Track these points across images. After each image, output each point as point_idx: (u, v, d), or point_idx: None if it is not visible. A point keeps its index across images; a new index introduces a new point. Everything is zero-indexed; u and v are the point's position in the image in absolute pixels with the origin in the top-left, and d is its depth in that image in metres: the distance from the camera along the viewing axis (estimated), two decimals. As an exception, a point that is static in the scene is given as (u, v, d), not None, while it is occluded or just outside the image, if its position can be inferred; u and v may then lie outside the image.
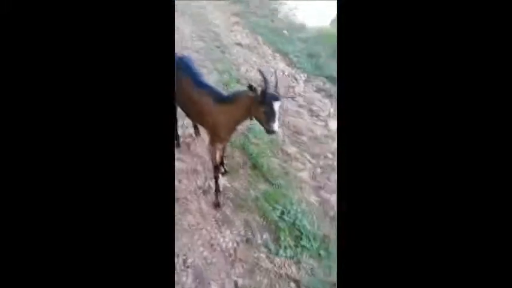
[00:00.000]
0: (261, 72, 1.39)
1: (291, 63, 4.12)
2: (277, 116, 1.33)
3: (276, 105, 1.31)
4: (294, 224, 1.56)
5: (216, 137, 1.58)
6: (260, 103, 1.32)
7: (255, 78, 3.43)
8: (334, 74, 3.33)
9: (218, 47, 4.30)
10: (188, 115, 1.79)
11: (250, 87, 1.34)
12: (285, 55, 4.38)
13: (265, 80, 1.32)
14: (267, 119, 1.32)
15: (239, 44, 4.62)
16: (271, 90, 1.33)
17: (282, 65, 4.10)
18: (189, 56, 1.96)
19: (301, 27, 5.24)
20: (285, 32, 5.20)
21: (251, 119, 1.44)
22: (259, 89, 1.34)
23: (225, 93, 1.60)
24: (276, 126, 1.34)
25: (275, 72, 1.49)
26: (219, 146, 1.62)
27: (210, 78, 3.09)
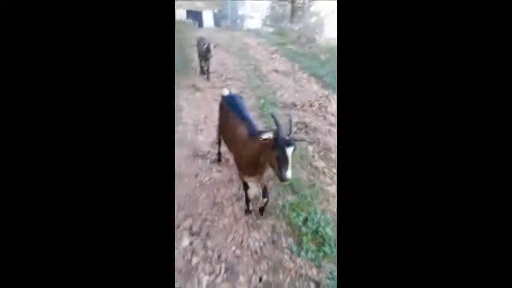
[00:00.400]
0: (274, 117, 1.35)
1: (324, 85, 4.33)
2: (290, 162, 1.27)
3: (289, 151, 1.26)
4: (316, 231, 1.70)
5: (241, 167, 1.63)
6: (273, 148, 1.28)
7: (288, 102, 3.71)
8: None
9: (258, 76, 4.74)
10: (226, 143, 1.94)
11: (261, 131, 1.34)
12: (319, 78, 4.62)
13: (277, 124, 1.29)
14: (280, 165, 1.26)
15: (276, 71, 5.03)
16: (284, 135, 1.28)
17: (316, 87, 4.34)
18: (238, 94, 2.22)
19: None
20: (310, 46, 5.46)
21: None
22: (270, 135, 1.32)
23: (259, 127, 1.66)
24: (289, 174, 1.27)
25: (290, 116, 1.40)
26: (247, 179, 1.65)
27: (249, 103, 3.48)
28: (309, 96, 3.91)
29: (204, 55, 4.33)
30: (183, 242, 1.64)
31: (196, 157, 2.46)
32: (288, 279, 1.45)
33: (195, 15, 19.17)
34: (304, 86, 4.41)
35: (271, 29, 7.72)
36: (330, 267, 1.50)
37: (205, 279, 1.44)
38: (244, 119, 1.67)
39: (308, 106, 3.66)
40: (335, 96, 3.76)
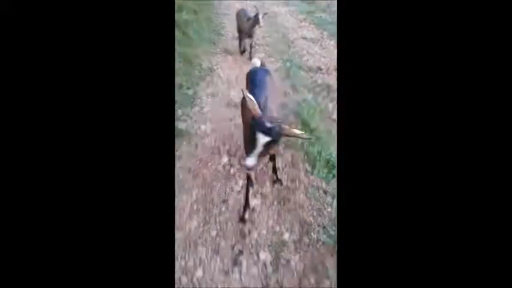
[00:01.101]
0: (248, 97, 1.24)
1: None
2: (257, 151, 1.15)
3: (260, 139, 1.14)
4: (327, 160, 2.15)
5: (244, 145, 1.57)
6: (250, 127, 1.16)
7: (314, 66, 4.03)
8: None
9: (285, 42, 5.02)
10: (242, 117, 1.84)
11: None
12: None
13: (261, 108, 1.19)
14: (246, 148, 1.17)
15: (304, 38, 5.26)
16: (266, 121, 1.16)
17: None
18: (265, 69, 2.03)
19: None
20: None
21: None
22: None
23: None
24: (248, 161, 1.15)
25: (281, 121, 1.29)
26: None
27: (275, 66, 3.87)
28: (334, 61, 4.19)
29: (248, 30, 3.58)
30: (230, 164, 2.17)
31: (229, 106, 2.94)
32: (303, 187, 1.95)
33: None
34: (332, 52, 4.66)
35: (301, -3, 7.78)
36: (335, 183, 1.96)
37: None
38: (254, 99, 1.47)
39: (333, 70, 3.96)
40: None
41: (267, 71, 1.92)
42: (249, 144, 1.20)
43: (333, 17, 6.23)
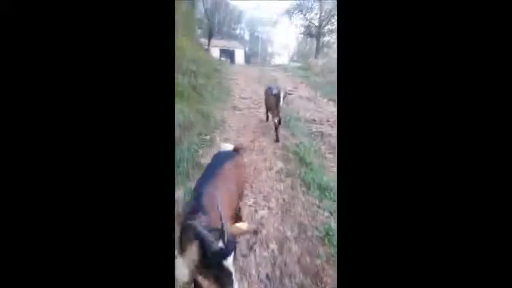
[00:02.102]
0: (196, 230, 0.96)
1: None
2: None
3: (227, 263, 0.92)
4: (319, 184, 2.79)
5: None
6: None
7: (309, 119, 4.94)
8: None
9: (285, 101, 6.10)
10: None
11: None
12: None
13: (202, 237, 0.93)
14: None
15: (300, 97, 6.35)
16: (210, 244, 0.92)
17: (333, 108, 5.55)
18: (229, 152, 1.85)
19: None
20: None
21: None
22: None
23: None
24: None
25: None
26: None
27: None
28: (326, 115, 5.14)
29: (274, 105, 3.77)
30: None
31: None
32: (300, 202, 2.56)
33: (227, 54, 22.05)
34: (323, 107, 5.66)
35: (298, 64, 9.35)
36: (327, 202, 2.57)
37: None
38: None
39: (325, 121, 4.87)
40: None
41: (227, 154, 1.75)
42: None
43: (326, 79, 7.53)
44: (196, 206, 1.18)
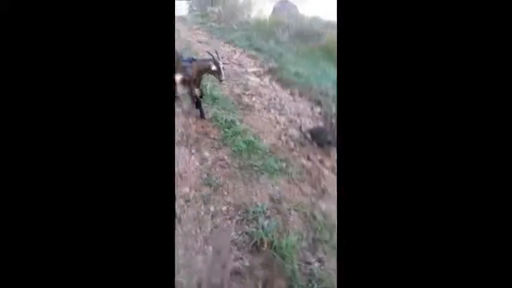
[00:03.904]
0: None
1: (235, 45, 6.67)
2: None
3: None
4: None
5: None
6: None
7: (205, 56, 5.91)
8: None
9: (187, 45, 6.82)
10: None
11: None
12: (230, 42, 7.00)
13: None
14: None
15: (199, 42, 7.19)
16: None
17: (228, 49, 6.67)
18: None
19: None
20: (234, 26, 7.89)
21: None
22: None
23: None
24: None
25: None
26: None
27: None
28: (221, 54, 6.22)
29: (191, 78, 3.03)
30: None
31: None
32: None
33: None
34: (220, 48, 6.70)
35: (196, 12, 9.96)
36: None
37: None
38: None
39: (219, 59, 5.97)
40: (240, 49, 6.13)
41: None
42: None
43: (221, 25, 8.45)
44: None
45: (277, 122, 3.32)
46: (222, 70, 2.81)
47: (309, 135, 3.01)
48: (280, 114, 3.53)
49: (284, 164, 2.59)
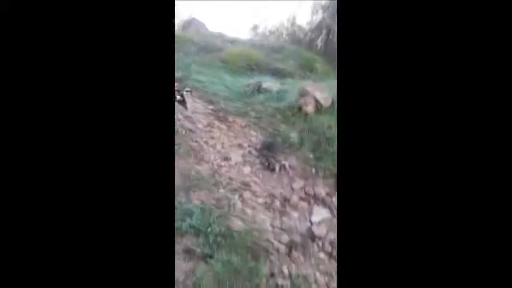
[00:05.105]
0: None
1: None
2: None
3: None
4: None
5: None
6: None
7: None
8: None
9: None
10: None
11: None
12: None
13: None
14: None
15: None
16: None
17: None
18: None
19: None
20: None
21: None
22: None
23: None
24: None
25: None
26: None
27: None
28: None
29: None
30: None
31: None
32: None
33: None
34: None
35: None
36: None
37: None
38: None
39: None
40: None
41: None
42: None
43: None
44: None
45: (178, 120, 4.20)
46: None
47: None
48: (181, 114, 4.36)
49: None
